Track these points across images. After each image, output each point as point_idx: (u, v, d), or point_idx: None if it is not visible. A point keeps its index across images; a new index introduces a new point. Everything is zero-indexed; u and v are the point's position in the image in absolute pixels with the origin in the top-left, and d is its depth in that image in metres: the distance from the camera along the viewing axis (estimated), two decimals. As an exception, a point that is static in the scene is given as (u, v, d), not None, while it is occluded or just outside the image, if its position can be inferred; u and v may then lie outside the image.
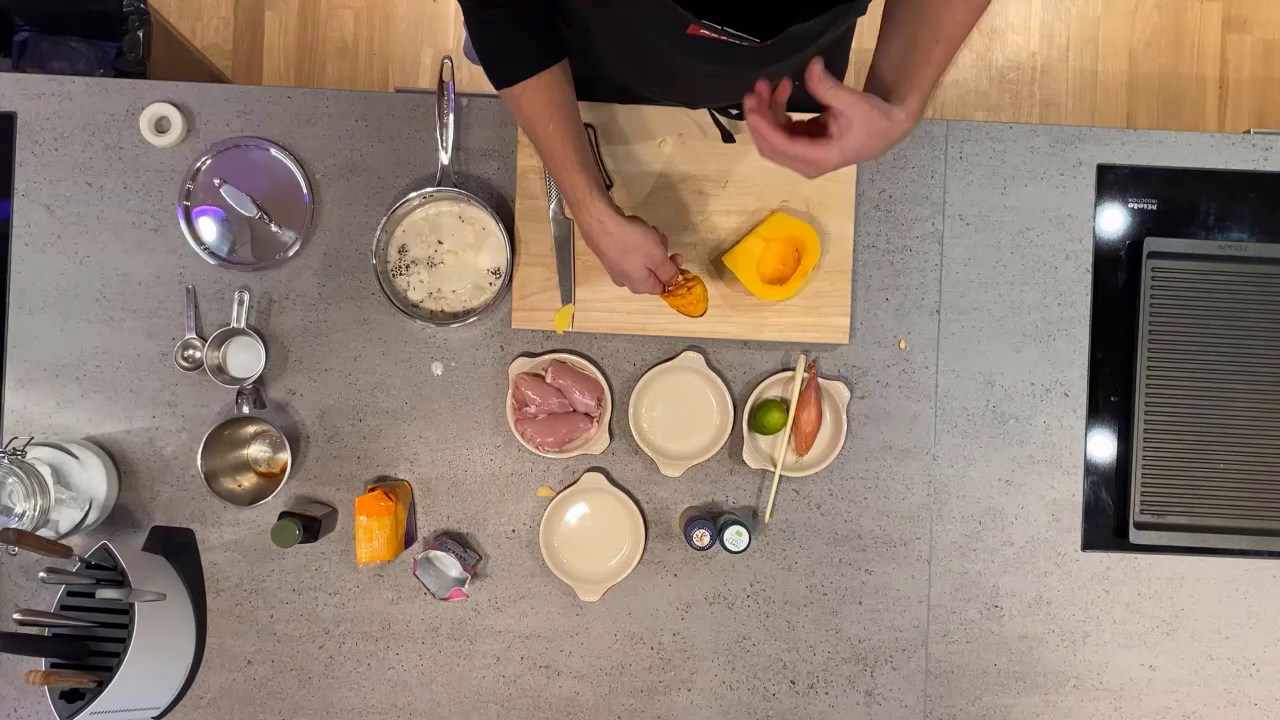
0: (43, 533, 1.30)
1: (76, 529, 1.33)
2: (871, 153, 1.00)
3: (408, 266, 1.39)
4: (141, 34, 1.81)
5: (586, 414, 1.38)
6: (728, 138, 1.36)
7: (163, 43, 1.89)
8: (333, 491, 1.41)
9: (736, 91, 1.23)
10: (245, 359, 1.38)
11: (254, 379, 1.37)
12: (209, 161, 1.39)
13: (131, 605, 1.24)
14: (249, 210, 1.37)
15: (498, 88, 1.11)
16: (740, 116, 1.37)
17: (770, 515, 1.40)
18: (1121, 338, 1.42)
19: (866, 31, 1.11)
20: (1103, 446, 1.43)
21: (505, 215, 1.38)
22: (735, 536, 1.31)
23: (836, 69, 1.41)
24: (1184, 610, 1.42)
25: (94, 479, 1.35)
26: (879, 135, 0.98)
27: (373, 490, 1.33)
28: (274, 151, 1.39)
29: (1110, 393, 1.43)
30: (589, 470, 1.40)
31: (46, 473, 1.29)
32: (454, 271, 1.39)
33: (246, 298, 1.38)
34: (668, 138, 1.38)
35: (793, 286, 1.34)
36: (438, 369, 1.41)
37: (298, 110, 1.41)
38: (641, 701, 1.41)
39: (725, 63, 0.98)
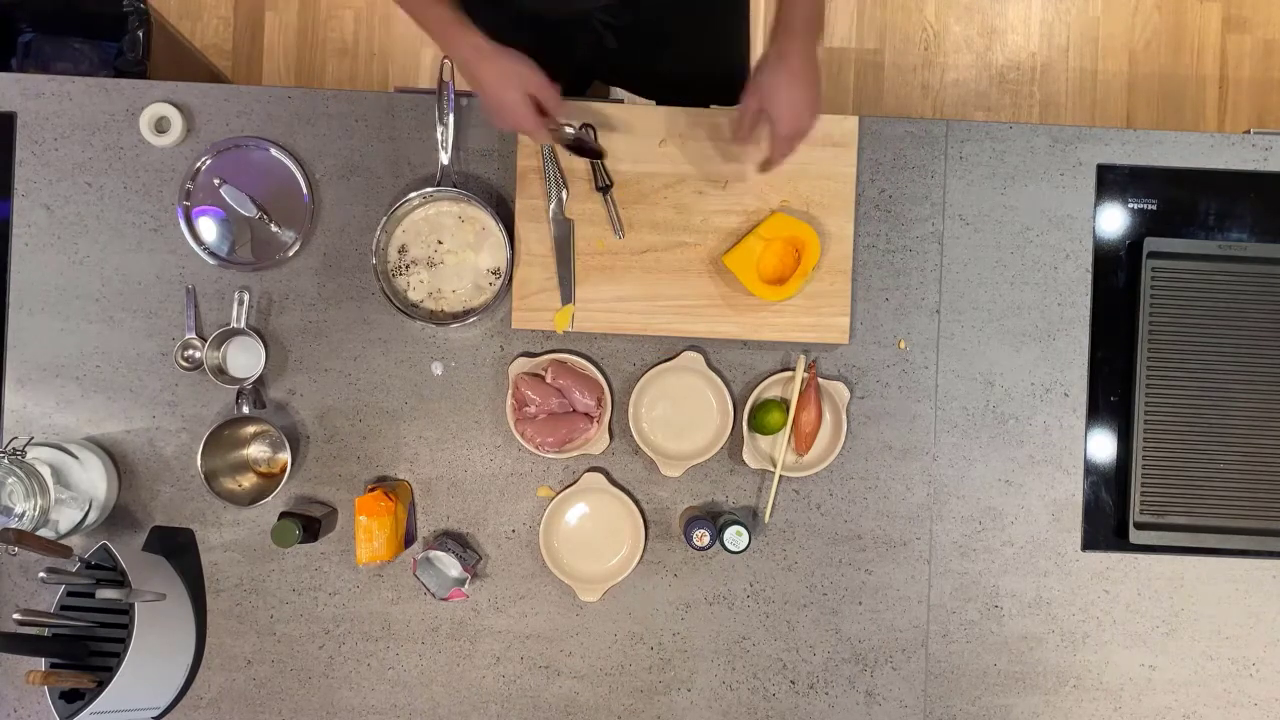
0: (43, 533, 1.30)
1: (76, 529, 1.33)
2: (803, 86, 1.18)
3: (408, 266, 1.39)
4: (141, 34, 1.81)
5: (586, 414, 1.38)
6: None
7: (163, 43, 1.89)
8: (333, 491, 1.41)
9: None
10: (245, 359, 1.38)
11: (254, 379, 1.37)
12: (209, 161, 1.39)
13: (131, 605, 1.24)
14: (249, 210, 1.37)
15: None
16: (626, 31, 1.38)
17: (770, 515, 1.40)
18: (1121, 338, 1.42)
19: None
20: (1103, 446, 1.43)
21: (505, 215, 1.38)
22: (735, 536, 1.31)
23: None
24: (1184, 610, 1.42)
25: (94, 479, 1.35)
26: (784, 80, 1.17)
27: (373, 490, 1.33)
28: (274, 151, 1.39)
29: (1110, 393, 1.43)
30: (589, 470, 1.40)
31: (46, 473, 1.29)
32: (454, 271, 1.39)
33: (246, 298, 1.38)
34: (668, 138, 1.38)
35: (792, 286, 1.34)
36: (438, 369, 1.41)
37: (298, 110, 1.41)
38: (641, 701, 1.42)
39: None
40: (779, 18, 1.17)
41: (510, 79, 1.17)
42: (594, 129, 1.36)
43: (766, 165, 1.26)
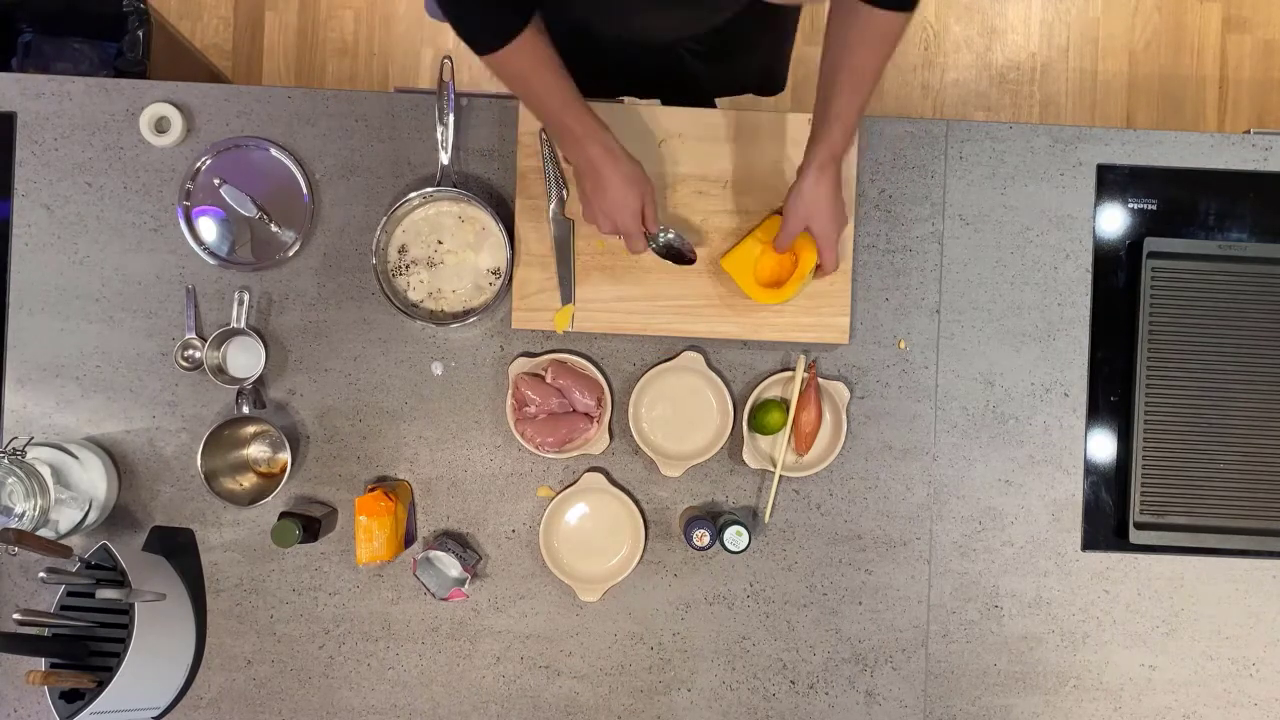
0: (43, 533, 1.30)
1: (76, 529, 1.33)
2: (840, 198, 1.24)
3: (408, 266, 1.39)
4: (141, 34, 1.82)
5: (586, 414, 1.38)
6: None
7: (163, 43, 1.89)
8: (333, 491, 1.41)
9: (693, 24, 1.25)
10: (245, 359, 1.38)
11: (254, 379, 1.37)
12: (209, 161, 1.39)
13: (131, 605, 1.24)
14: (249, 210, 1.37)
15: (482, 55, 1.11)
16: (709, 56, 1.38)
17: (770, 515, 1.40)
18: (1121, 338, 1.42)
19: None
20: (1103, 446, 1.43)
21: (505, 215, 1.38)
22: (735, 536, 1.31)
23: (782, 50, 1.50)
24: (1184, 610, 1.42)
25: (94, 479, 1.35)
26: (825, 199, 1.22)
27: (373, 490, 1.33)
28: (274, 151, 1.39)
29: (1110, 393, 1.43)
30: (589, 470, 1.40)
31: (46, 473, 1.29)
32: (454, 271, 1.39)
33: (246, 298, 1.38)
34: (668, 138, 1.38)
35: (789, 290, 1.34)
36: (438, 369, 1.41)
37: (298, 110, 1.41)
38: (641, 701, 1.41)
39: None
40: (821, 133, 1.19)
41: (634, 184, 1.21)
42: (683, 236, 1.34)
43: (824, 272, 1.30)
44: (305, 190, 1.40)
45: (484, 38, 1.10)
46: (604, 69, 1.21)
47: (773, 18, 1.41)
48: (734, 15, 1.25)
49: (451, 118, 1.36)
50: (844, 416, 1.38)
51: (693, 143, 1.38)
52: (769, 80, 1.62)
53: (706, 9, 1.23)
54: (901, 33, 1.13)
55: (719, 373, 1.40)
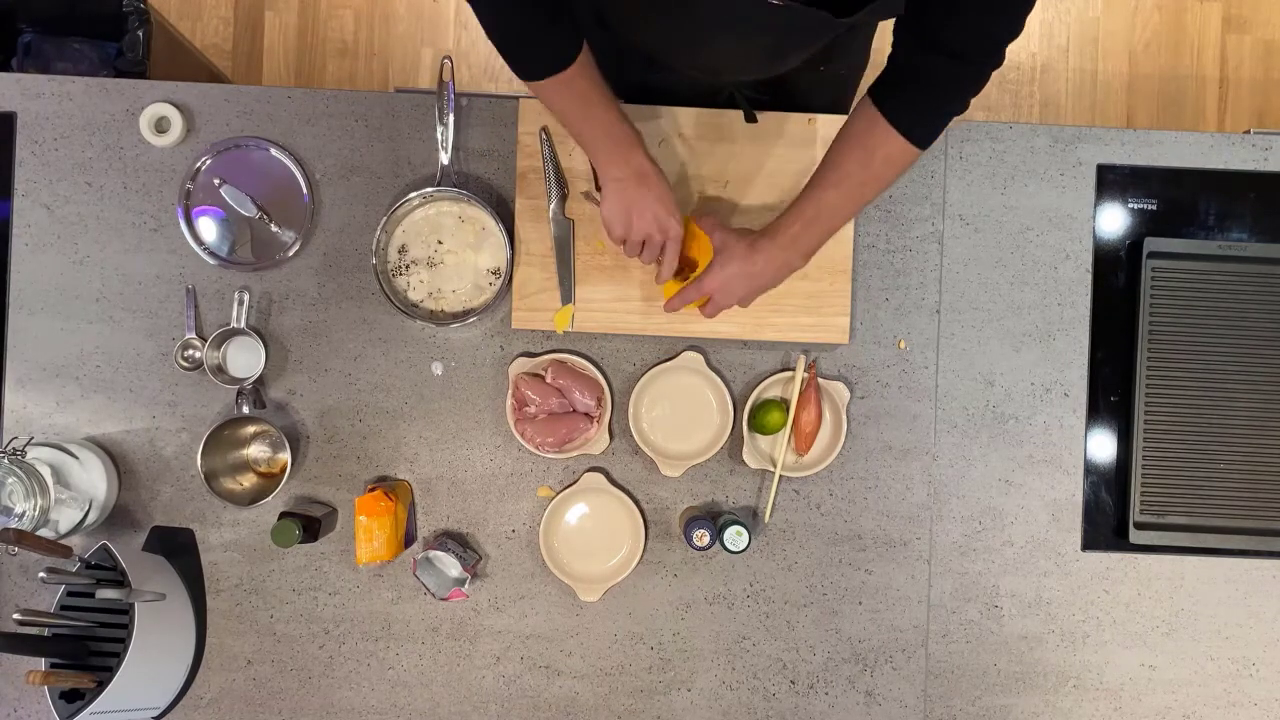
0: (43, 533, 1.30)
1: (76, 529, 1.33)
2: (745, 282, 1.21)
3: (408, 266, 1.39)
4: (141, 34, 1.82)
5: (586, 414, 1.38)
6: (750, 118, 1.36)
7: (163, 43, 1.90)
8: (333, 491, 1.41)
9: (769, 64, 1.21)
10: (245, 359, 1.38)
11: (254, 379, 1.37)
12: (209, 161, 1.39)
13: (131, 605, 1.24)
14: (249, 210, 1.37)
15: (535, 80, 1.09)
16: (766, 104, 1.36)
17: (770, 515, 1.40)
18: (1121, 338, 1.42)
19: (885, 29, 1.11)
20: (1103, 446, 1.43)
21: (505, 215, 1.38)
22: (735, 536, 1.31)
23: (857, 62, 1.44)
24: (1184, 610, 1.42)
25: (94, 479, 1.35)
26: (741, 262, 1.19)
27: (373, 490, 1.33)
28: (274, 151, 1.39)
29: (1110, 393, 1.43)
30: (589, 470, 1.40)
31: (46, 473, 1.29)
32: (454, 271, 1.39)
33: (246, 298, 1.38)
34: (668, 138, 1.38)
35: (671, 290, 1.28)
36: (438, 369, 1.41)
37: (298, 110, 1.41)
38: (641, 701, 1.41)
39: (781, 34, 1.04)
40: (782, 217, 1.19)
41: (667, 203, 1.21)
42: None
43: (668, 295, 1.27)
44: (305, 190, 1.40)
45: (542, 65, 1.08)
46: (647, 91, 1.18)
47: (834, 77, 1.39)
48: (802, 66, 1.21)
49: (451, 118, 1.36)
50: (844, 416, 1.38)
51: (693, 143, 1.38)
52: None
53: (787, 47, 1.17)
54: (901, 165, 1.13)
55: (719, 373, 1.40)
